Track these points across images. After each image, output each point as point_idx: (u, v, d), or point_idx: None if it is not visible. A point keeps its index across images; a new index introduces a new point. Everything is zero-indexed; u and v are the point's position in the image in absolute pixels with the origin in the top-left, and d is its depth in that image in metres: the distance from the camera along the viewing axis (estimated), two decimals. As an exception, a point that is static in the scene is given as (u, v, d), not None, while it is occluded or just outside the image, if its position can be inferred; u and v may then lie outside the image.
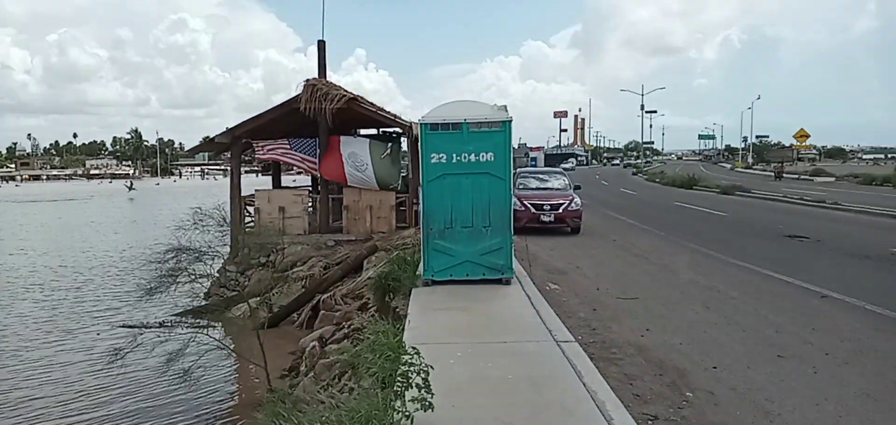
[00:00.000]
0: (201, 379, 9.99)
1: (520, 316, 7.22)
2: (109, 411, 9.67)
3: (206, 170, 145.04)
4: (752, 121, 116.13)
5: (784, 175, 53.36)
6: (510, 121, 8.50)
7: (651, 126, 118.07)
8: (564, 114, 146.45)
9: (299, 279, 15.71)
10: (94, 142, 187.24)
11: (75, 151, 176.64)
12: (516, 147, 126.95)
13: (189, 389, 9.83)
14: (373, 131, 20.59)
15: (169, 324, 13.17)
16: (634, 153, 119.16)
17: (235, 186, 17.69)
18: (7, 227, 38.84)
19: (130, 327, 13.65)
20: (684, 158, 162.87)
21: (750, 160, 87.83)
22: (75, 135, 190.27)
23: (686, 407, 4.96)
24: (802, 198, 27.12)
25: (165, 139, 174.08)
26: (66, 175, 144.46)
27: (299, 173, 18.53)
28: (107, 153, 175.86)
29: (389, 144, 17.50)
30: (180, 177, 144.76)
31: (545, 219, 15.98)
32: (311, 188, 20.51)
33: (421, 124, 8.63)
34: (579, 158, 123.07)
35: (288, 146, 17.28)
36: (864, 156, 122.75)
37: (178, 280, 9.98)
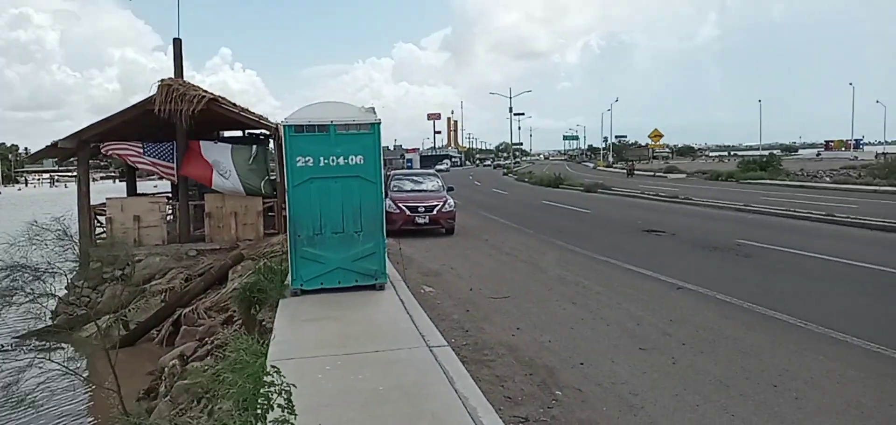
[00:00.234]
0: (46, 408, 8.99)
1: (393, 322, 7.06)
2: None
3: (56, 178, 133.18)
4: (612, 122, 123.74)
5: (636, 172, 57.30)
6: (379, 123, 8.32)
7: (520, 127, 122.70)
8: (438, 116, 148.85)
9: (158, 293, 14.67)
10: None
11: None
12: (392, 148, 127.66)
13: (31, 420, 8.82)
14: (238, 133, 19.67)
15: (6, 349, 11.80)
16: (505, 154, 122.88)
17: (84, 194, 16.22)
18: None
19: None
20: (551, 158, 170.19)
21: (610, 159, 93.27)
22: None
23: (555, 406, 5.01)
24: (658, 195, 29.03)
25: (8, 144, 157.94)
26: None
27: (162, 178, 17.34)
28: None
29: (254, 147, 16.77)
30: (26, 185, 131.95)
31: (420, 220, 15.96)
32: (170, 195, 19.23)
33: (284, 126, 8.24)
34: (453, 159, 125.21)
35: (140, 150, 16.06)
36: (711, 154, 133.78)
37: (13, 301, 8.96)
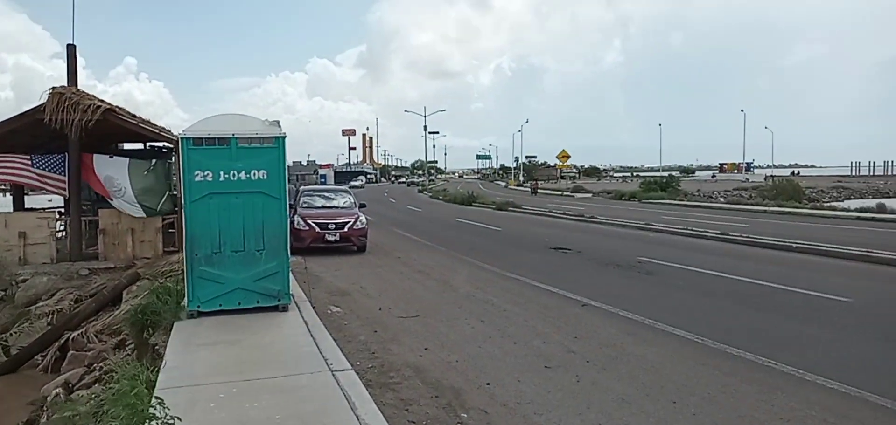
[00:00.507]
0: None
1: (295, 345, 6.77)
2: None
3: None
4: (522, 142, 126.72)
5: (540, 191, 59.09)
6: (284, 138, 8.03)
7: (434, 146, 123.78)
8: (353, 132, 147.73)
9: (44, 315, 13.59)
10: None
11: None
12: (306, 164, 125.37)
13: None
14: (139, 146, 18.68)
15: None
16: (420, 171, 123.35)
17: (-40, 210, 14.87)
18: None
19: None
20: (465, 176, 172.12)
21: (521, 178, 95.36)
22: None
23: (461, 429, 4.90)
24: (566, 213, 29.79)
25: None
26: None
27: (53, 193, 16.18)
28: None
29: (153, 161, 15.93)
30: None
31: (330, 238, 15.61)
32: (62, 210, 17.96)
33: (182, 139, 7.80)
34: (369, 176, 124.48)
35: (28, 162, 14.93)
36: (616, 175, 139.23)
37: None
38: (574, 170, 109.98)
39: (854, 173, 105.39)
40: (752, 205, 35.49)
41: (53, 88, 14.48)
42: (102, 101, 14.90)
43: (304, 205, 16.88)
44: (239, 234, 8.01)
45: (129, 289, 12.86)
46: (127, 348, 10.26)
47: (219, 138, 7.89)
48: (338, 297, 10.21)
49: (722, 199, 43.19)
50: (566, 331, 7.90)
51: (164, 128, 16.82)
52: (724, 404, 5.37)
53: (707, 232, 19.57)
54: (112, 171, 15.11)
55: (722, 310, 9.32)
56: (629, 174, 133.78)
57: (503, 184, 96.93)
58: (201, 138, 7.88)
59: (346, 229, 15.71)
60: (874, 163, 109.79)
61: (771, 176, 74.80)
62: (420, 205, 43.90)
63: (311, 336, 7.04)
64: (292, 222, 15.86)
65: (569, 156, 62.74)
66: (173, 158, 17.04)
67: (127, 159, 15.72)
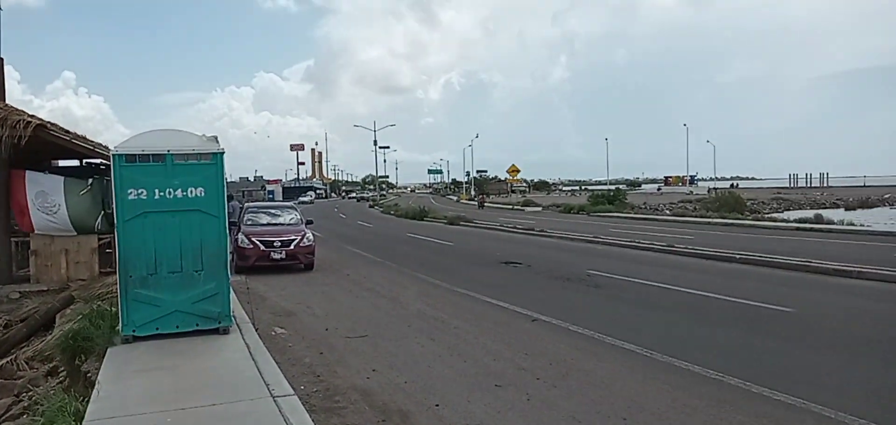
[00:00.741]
0: None
1: (235, 370, 6.46)
2: None
3: None
4: (473, 157, 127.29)
5: (487, 204, 59.69)
6: (222, 154, 7.73)
7: (385, 160, 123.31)
8: (301, 147, 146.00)
9: (-31, 343, 12.79)
10: None
11: None
12: (253, 180, 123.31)
13: None
14: (75, 163, 17.88)
15: None
16: (371, 186, 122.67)
17: None
18: None
19: None
20: (417, 191, 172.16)
21: (472, 193, 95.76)
22: None
23: (408, 454, 4.72)
24: (516, 227, 29.93)
25: None
26: None
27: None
28: None
29: (91, 180, 15.27)
30: None
31: (276, 256, 15.22)
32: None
33: (114, 155, 7.43)
34: (318, 191, 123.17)
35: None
36: (564, 188, 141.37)
37: None
38: (524, 185, 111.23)
39: (792, 185, 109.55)
40: (696, 217, 36.40)
41: (-22, 104, 13.74)
42: (33, 116, 14.17)
43: (249, 223, 16.43)
44: (176, 255, 7.67)
45: (63, 313, 12.21)
46: (59, 375, 9.71)
47: (153, 155, 7.56)
48: (282, 318, 9.89)
49: (667, 212, 44.22)
50: (517, 348, 7.80)
51: (100, 144, 16.12)
52: (674, 420, 5.33)
53: (653, 244, 19.88)
54: (46, 187, 14.42)
55: (669, 322, 9.38)
56: (577, 188, 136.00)
57: (455, 198, 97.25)
58: (135, 155, 7.53)
59: (292, 247, 15.33)
60: (810, 175, 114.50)
61: (714, 188, 77.09)
62: (371, 220, 43.52)
63: (253, 360, 6.75)
64: (236, 240, 15.43)
65: (519, 171, 63.36)
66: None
67: (62, 177, 15.02)
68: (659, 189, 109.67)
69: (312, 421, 5.00)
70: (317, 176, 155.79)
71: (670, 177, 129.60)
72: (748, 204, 46.65)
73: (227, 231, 8.08)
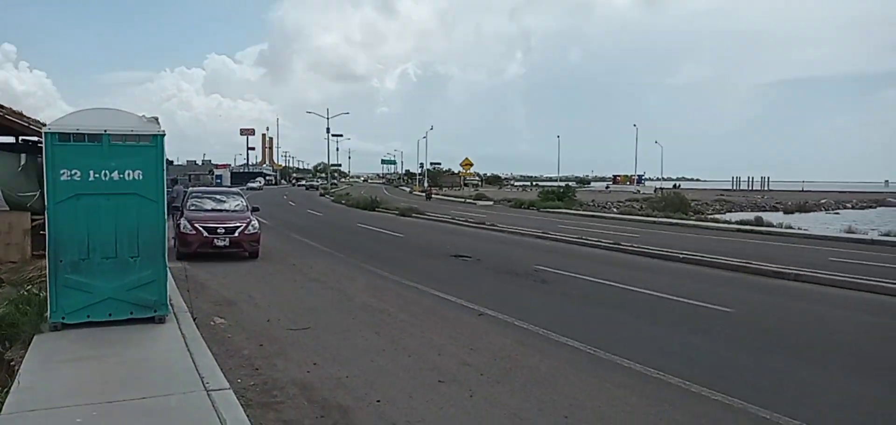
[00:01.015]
0: None
1: (169, 362, 6.23)
2: None
3: None
4: (427, 148, 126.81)
5: (434, 196, 60.08)
6: (162, 135, 7.44)
7: (338, 149, 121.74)
8: (252, 131, 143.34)
9: None
10: None
11: None
12: (200, 163, 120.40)
13: None
14: (10, 139, 17.03)
15: None
16: (322, 174, 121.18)
17: None
18: None
19: None
20: (369, 181, 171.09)
21: (426, 184, 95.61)
22: None
23: (346, 452, 4.60)
24: (468, 221, 29.97)
25: None
26: None
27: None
28: None
29: (24, 157, 14.55)
30: None
31: (220, 243, 14.81)
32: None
33: (46, 134, 7.06)
34: (268, 178, 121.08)
35: None
36: (516, 184, 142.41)
37: None
38: (477, 178, 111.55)
39: (734, 187, 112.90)
40: (642, 215, 37.11)
41: None
42: (-39, 88, 13.44)
43: (192, 208, 15.95)
44: (110, 240, 7.35)
45: (-12, 297, 11.62)
46: (-19, 363, 9.19)
47: (89, 134, 7.21)
48: (223, 307, 9.61)
49: (615, 210, 45.02)
50: (462, 343, 7.75)
51: (36, 120, 15.35)
52: (615, 418, 5.36)
53: (601, 241, 20.15)
54: None
55: (614, 319, 9.49)
56: (529, 183, 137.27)
57: (408, 189, 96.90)
58: (69, 133, 7.18)
59: (236, 234, 14.95)
60: (752, 178, 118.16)
61: (660, 188, 78.87)
62: (321, 209, 42.95)
63: (189, 351, 6.52)
64: (178, 225, 14.98)
65: (472, 164, 63.62)
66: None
67: None
68: (607, 187, 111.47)
69: (247, 416, 4.85)
70: (267, 162, 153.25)
71: (618, 175, 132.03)
72: (692, 204, 47.83)
73: (167, 216, 7.79)
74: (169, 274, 8.37)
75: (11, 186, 13.97)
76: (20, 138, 16.76)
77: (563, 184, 66.90)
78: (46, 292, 8.06)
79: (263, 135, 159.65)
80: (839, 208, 67.10)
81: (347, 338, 7.92)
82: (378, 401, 5.65)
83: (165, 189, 7.76)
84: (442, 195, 72.19)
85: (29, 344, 6.79)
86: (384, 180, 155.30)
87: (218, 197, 17.49)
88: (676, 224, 30.03)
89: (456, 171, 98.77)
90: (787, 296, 11.51)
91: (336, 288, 11.71)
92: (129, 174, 7.30)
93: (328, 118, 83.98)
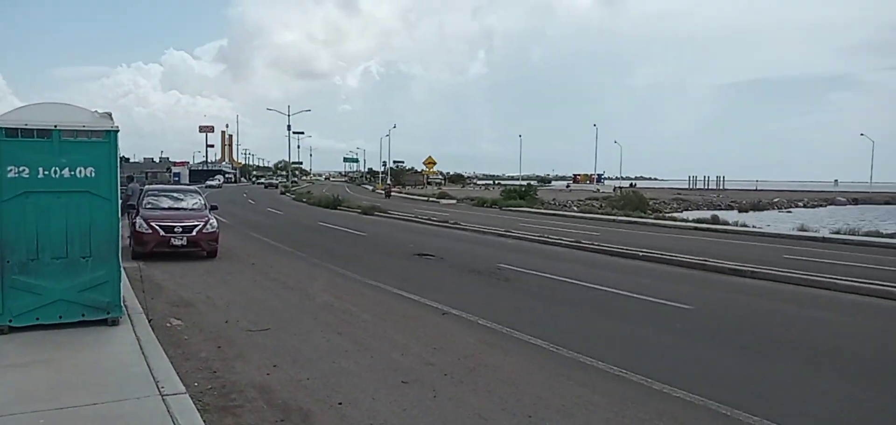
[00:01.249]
0: None
1: (123, 365, 6.03)
2: None
3: None
4: (390, 147, 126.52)
5: (403, 195, 60.06)
6: (116, 131, 7.21)
7: (299, 146, 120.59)
8: (211, 129, 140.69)
9: None
10: None
11: None
12: (158, 161, 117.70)
13: None
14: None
15: None
16: (283, 172, 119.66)
17: None
18: None
19: None
20: (331, 179, 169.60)
21: (389, 182, 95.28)
22: None
23: (307, 456, 4.50)
24: (431, 219, 29.92)
25: None
26: None
27: None
28: None
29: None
30: None
31: (177, 242, 14.46)
32: None
33: (-8, 129, 6.77)
34: (227, 175, 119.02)
35: None
36: (479, 182, 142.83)
37: None
38: (440, 177, 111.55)
39: (691, 187, 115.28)
40: (602, 214, 37.60)
41: None
42: None
43: (148, 206, 15.55)
44: (61, 239, 7.10)
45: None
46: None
47: (38, 130, 6.96)
48: (180, 309, 9.37)
49: (575, 208, 45.52)
50: (425, 343, 7.70)
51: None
52: (578, 417, 5.37)
53: (562, 239, 20.32)
54: None
55: (576, 317, 9.55)
56: (491, 182, 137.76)
57: (371, 188, 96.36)
58: (17, 129, 6.91)
59: (194, 233, 14.62)
60: (708, 177, 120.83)
61: (619, 187, 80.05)
62: (282, 207, 42.39)
63: (143, 354, 6.33)
64: (134, 224, 14.60)
65: (435, 163, 63.46)
66: None
67: None
68: (568, 186, 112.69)
69: (204, 421, 4.73)
70: (226, 159, 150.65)
71: (579, 174, 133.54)
72: (650, 203, 48.65)
73: (122, 214, 7.56)
74: (123, 274, 8.14)
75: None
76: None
77: (525, 183, 67.42)
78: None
79: (223, 132, 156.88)
80: (792, 207, 69.00)
81: (308, 339, 7.80)
82: (340, 404, 5.56)
83: (119, 186, 7.54)
84: (405, 193, 72.00)
85: (-27, 349, 6.51)
86: (347, 178, 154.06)
87: (175, 195, 17.09)
88: (635, 222, 30.48)
89: (419, 170, 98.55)
90: (745, 293, 11.76)
91: (297, 288, 11.54)
92: (80, 171, 7.06)
93: (289, 115, 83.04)
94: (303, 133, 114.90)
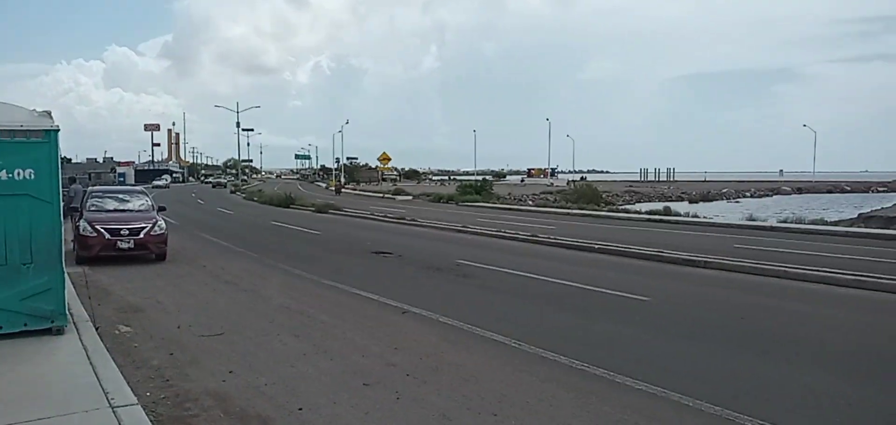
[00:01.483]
0: None
1: (69, 377, 5.73)
2: None
3: None
4: (343, 143, 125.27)
5: (357, 192, 59.74)
6: (57, 131, 6.86)
7: (249, 144, 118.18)
8: (157, 127, 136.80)
9: None
10: None
11: None
12: (101, 161, 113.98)
13: None
14: None
15: None
16: (233, 170, 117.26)
17: None
18: None
19: None
20: (283, 177, 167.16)
21: (342, 179, 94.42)
22: None
23: (268, 466, 4.34)
24: (387, 216, 29.70)
25: None
26: None
27: None
28: None
29: None
30: None
31: (123, 245, 13.94)
32: None
33: (-81, 129, 6.35)
34: (175, 175, 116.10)
35: None
36: (434, 178, 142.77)
37: None
38: (395, 173, 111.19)
39: (642, 179, 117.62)
40: (557, 208, 37.95)
41: None
42: None
43: (93, 209, 14.95)
44: (-1, 245, 6.71)
45: None
46: None
47: (-30, 130, 6.54)
48: (129, 315, 9.01)
49: (531, 202, 45.80)
50: (386, 343, 7.57)
51: None
52: (544, 413, 5.33)
53: (519, 234, 20.41)
54: None
55: (537, 312, 9.55)
56: (447, 177, 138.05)
57: (324, 185, 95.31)
58: (-53, 129, 6.49)
59: (141, 235, 14.12)
60: (659, 170, 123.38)
61: (572, 181, 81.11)
62: (232, 207, 41.51)
63: (91, 364, 6.03)
64: (78, 228, 14.04)
65: (390, 159, 63.25)
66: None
67: None
68: (523, 180, 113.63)
69: (158, 433, 4.50)
70: (174, 158, 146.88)
71: (533, 169, 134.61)
72: (604, 196, 49.41)
73: (65, 217, 7.20)
74: (67, 280, 7.76)
75: None
76: None
77: (480, 178, 67.64)
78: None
79: (169, 130, 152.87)
80: (740, 197, 71.17)
81: (265, 343, 7.58)
82: (300, 409, 5.39)
83: (61, 188, 7.18)
84: (360, 190, 71.40)
85: None
86: (298, 176, 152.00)
87: (121, 196, 16.50)
88: (590, 215, 30.85)
89: (374, 166, 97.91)
90: (699, 283, 11.98)
91: (251, 290, 11.25)
92: (18, 173, 6.69)
93: (238, 112, 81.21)
94: (253, 130, 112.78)
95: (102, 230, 13.78)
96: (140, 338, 7.71)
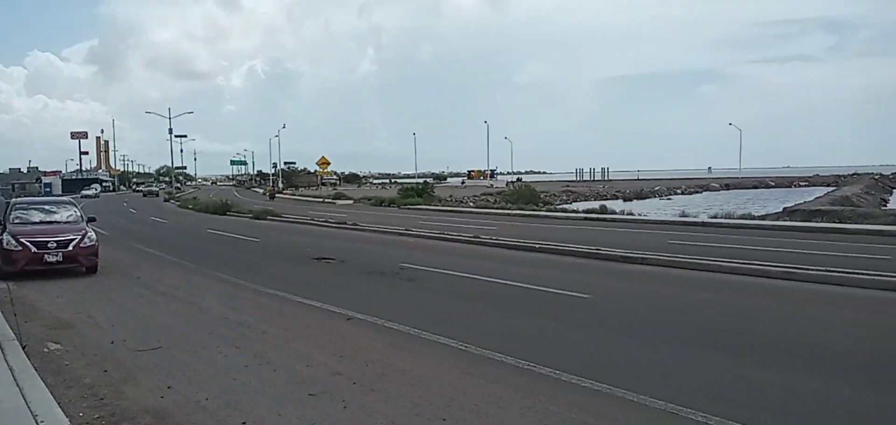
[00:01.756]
0: None
1: (-7, 400, 5.41)
2: None
3: None
4: (280, 148, 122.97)
5: (283, 196, 59.17)
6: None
7: (182, 150, 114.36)
8: (85, 135, 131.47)
9: None
10: None
11: None
12: (25, 171, 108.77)
13: None
14: None
15: None
16: (166, 178, 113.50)
17: None
18: None
19: None
20: (219, 183, 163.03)
21: (280, 185, 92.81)
22: None
23: (212, 483, 4.20)
24: (328, 221, 29.34)
25: None
26: None
27: None
28: None
29: None
30: None
31: (51, 259, 13.30)
32: None
33: None
34: (104, 184, 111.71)
35: None
36: (375, 181, 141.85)
37: None
38: (335, 177, 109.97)
39: (578, 179, 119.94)
40: (497, 208, 38.31)
41: None
42: None
43: (17, 221, 14.21)
44: (-90, 264, 6.28)
45: None
46: None
47: None
48: (58, 331, 8.59)
49: (472, 204, 46.05)
50: (331, 351, 7.46)
51: None
52: (492, 415, 5.35)
53: (461, 235, 20.50)
54: None
55: (482, 314, 9.60)
56: (387, 180, 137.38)
57: (261, 191, 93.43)
58: None
59: (70, 248, 13.50)
60: (593, 169, 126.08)
61: (511, 182, 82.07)
62: (166, 215, 40.20)
63: (17, 385, 5.72)
64: (1, 242, 13.34)
65: (329, 163, 62.53)
66: None
67: None
68: (463, 182, 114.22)
69: (93, 456, 4.30)
70: (103, 167, 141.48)
71: (473, 171, 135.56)
72: (542, 196, 50.16)
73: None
74: (-11, 298, 7.35)
75: None
76: None
77: (421, 180, 67.57)
78: None
79: (98, 138, 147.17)
80: (671, 194, 73.39)
81: (204, 356, 7.35)
82: (244, 423, 5.25)
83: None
84: (299, 195, 70.28)
85: None
86: (235, 182, 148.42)
87: (47, 207, 15.74)
88: (529, 215, 31.25)
89: (313, 171, 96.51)
90: (637, 280, 12.29)
91: (188, 301, 10.92)
92: (-68, 187, 6.28)
93: (170, 118, 78.73)
94: (186, 136, 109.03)
95: (28, 243, 13.12)
96: (71, 356, 7.36)
